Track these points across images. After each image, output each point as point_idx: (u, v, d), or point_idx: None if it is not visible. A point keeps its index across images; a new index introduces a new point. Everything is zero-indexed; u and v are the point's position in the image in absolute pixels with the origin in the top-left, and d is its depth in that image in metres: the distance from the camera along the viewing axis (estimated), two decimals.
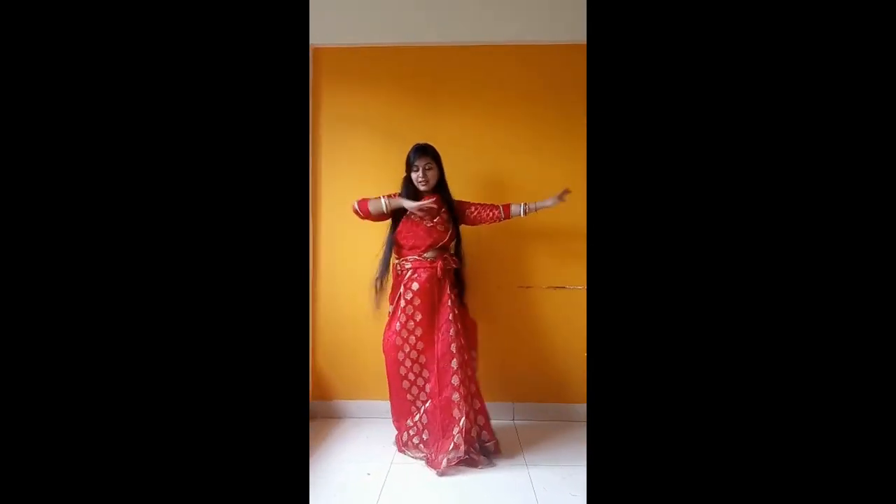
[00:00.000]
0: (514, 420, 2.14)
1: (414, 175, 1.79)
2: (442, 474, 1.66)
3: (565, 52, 2.05)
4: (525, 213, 1.84)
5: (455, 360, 1.73)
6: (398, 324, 1.79)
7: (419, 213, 1.77)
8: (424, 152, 1.79)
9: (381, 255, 1.85)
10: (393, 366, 1.82)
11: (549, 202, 1.81)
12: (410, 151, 1.80)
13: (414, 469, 1.73)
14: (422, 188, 1.80)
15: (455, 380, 1.72)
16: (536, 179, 2.12)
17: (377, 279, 1.85)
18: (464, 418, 1.69)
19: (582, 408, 2.14)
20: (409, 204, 1.76)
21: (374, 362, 2.14)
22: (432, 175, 1.79)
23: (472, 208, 1.87)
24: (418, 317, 1.79)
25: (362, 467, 1.74)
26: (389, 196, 1.80)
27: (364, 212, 1.79)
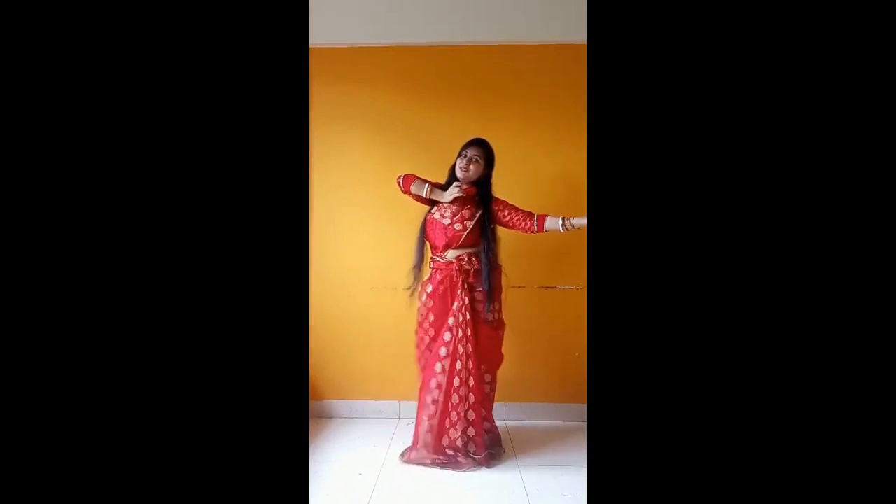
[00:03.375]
0: (505, 420, 2.14)
1: (458, 161, 1.69)
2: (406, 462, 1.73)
3: (563, 51, 2.06)
4: (564, 228, 1.62)
5: (435, 379, 1.70)
6: (417, 325, 1.80)
7: (446, 200, 1.69)
8: (477, 143, 1.70)
9: (415, 244, 1.80)
10: (419, 362, 1.83)
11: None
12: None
13: (405, 470, 1.72)
14: (459, 175, 1.69)
15: (428, 398, 1.71)
16: (535, 178, 2.12)
17: (413, 267, 1.79)
18: (429, 434, 1.70)
19: (573, 407, 2.15)
20: (443, 196, 1.66)
21: (364, 362, 2.14)
22: (475, 168, 1.67)
23: (506, 211, 1.71)
24: (431, 318, 1.76)
25: (353, 467, 1.73)
26: (435, 184, 1.70)
27: (405, 187, 1.70)
